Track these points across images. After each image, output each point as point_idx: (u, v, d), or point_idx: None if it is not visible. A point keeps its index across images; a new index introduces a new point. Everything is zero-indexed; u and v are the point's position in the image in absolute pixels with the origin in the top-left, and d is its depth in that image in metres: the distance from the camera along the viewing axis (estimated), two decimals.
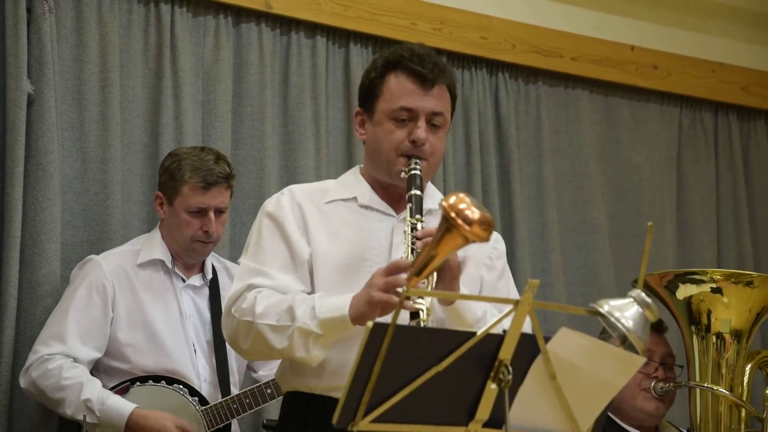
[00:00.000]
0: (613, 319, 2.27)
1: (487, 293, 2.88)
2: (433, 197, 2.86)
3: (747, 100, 5.55)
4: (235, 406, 3.80)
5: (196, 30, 4.40)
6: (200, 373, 3.84)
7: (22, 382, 3.74)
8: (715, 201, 5.48)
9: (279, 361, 3.61)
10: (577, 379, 2.22)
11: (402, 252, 2.68)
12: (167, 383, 3.77)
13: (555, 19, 5.14)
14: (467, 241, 2.32)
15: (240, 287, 2.76)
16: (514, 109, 5.02)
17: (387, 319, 2.18)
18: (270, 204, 2.88)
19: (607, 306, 2.29)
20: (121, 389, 3.72)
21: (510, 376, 2.17)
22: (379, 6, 4.69)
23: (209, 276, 3.96)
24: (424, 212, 2.71)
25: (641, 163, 5.32)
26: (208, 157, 3.87)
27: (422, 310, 2.52)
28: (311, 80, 4.57)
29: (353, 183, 2.92)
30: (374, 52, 4.71)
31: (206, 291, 3.95)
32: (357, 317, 2.58)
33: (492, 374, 2.18)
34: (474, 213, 2.30)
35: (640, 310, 2.28)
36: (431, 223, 2.62)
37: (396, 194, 2.85)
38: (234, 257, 4.14)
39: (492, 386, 2.19)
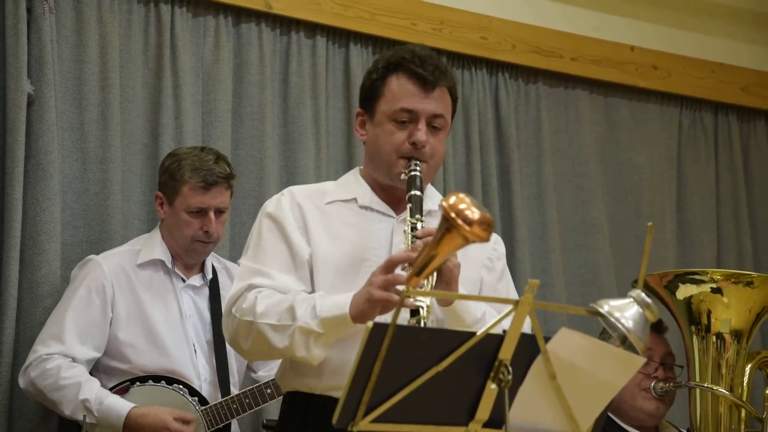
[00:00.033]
0: (613, 320, 2.27)
1: (486, 294, 2.88)
2: (432, 199, 2.86)
3: (747, 100, 5.55)
4: (234, 406, 3.80)
5: (196, 30, 4.40)
6: (200, 373, 3.84)
7: (21, 381, 3.74)
8: (715, 201, 5.48)
9: (279, 362, 3.62)
10: (577, 379, 2.22)
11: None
12: (167, 383, 3.77)
13: (555, 20, 5.14)
14: (467, 241, 2.32)
15: (240, 287, 2.76)
16: (514, 110, 5.02)
17: (387, 318, 2.18)
18: (270, 205, 2.88)
19: (607, 306, 2.29)
20: (121, 389, 3.72)
21: (510, 376, 2.17)
22: (379, 6, 4.69)
23: (209, 276, 3.96)
24: (423, 213, 2.72)
25: (641, 164, 5.32)
26: (208, 157, 3.87)
27: (422, 308, 2.52)
28: (311, 80, 4.57)
29: (353, 184, 2.92)
30: (374, 52, 4.71)
31: (206, 291, 3.95)
32: (357, 315, 2.58)
33: (492, 374, 2.18)
34: (474, 213, 2.30)
35: (640, 310, 2.28)
36: (431, 224, 2.63)
37: (396, 196, 2.85)
38: (234, 257, 4.14)
39: (492, 386, 2.19)
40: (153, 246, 3.89)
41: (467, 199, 2.32)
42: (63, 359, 3.69)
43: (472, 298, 2.76)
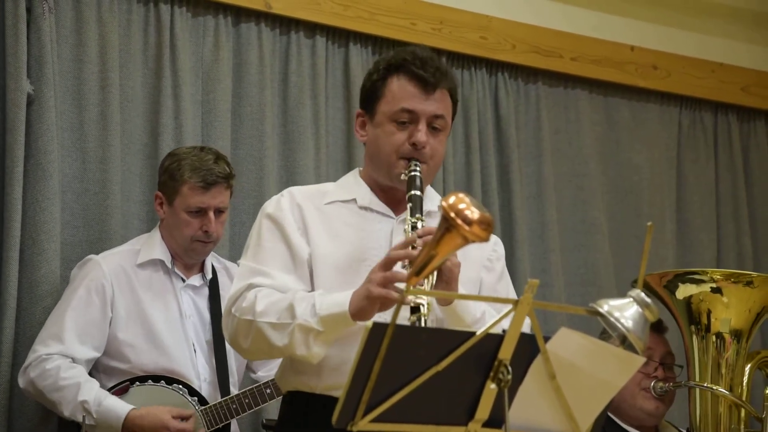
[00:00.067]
0: (612, 319, 2.27)
1: (486, 295, 2.88)
2: (432, 200, 2.87)
3: (747, 100, 5.55)
4: (234, 406, 3.80)
5: (195, 30, 4.40)
6: (200, 372, 3.84)
7: (21, 381, 3.74)
8: (715, 201, 5.48)
9: (278, 362, 3.62)
10: (577, 379, 2.22)
11: None
12: (167, 383, 3.77)
13: (555, 19, 5.14)
14: (467, 241, 2.32)
15: (240, 287, 2.76)
16: (514, 109, 5.02)
17: (387, 318, 2.18)
18: (270, 205, 2.89)
19: (606, 306, 2.29)
20: (121, 389, 3.72)
21: (509, 376, 2.17)
22: (379, 6, 4.69)
23: (209, 276, 3.96)
24: (423, 214, 2.72)
25: (641, 163, 5.32)
26: (208, 156, 3.87)
27: (422, 305, 2.52)
28: (311, 80, 4.57)
29: (353, 185, 2.93)
30: (374, 52, 4.71)
31: (206, 291, 3.95)
32: (357, 313, 2.59)
33: (491, 374, 2.18)
34: (473, 213, 2.29)
35: (640, 310, 2.28)
36: (430, 225, 2.63)
37: (395, 196, 2.86)
38: (234, 257, 4.14)
39: (491, 386, 2.19)
40: (153, 246, 3.89)
41: (467, 199, 2.32)
42: (62, 359, 3.69)
43: (471, 298, 2.77)
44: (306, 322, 2.63)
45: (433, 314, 2.61)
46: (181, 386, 3.77)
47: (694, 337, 3.90)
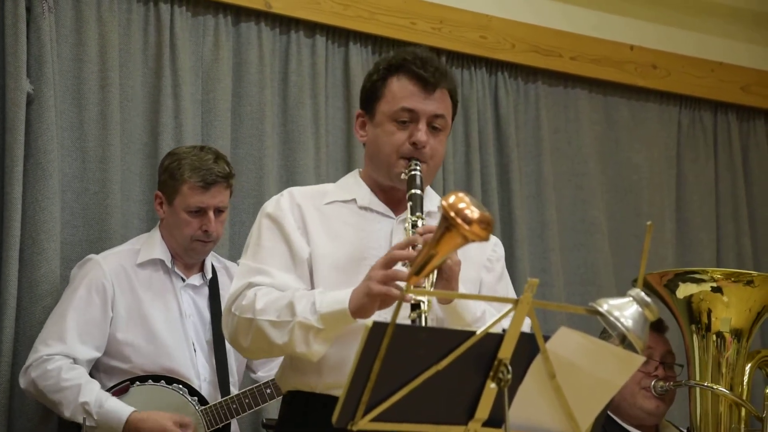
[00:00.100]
0: (612, 318, 2.27)
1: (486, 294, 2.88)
2: (432, 200, 2.87)
3: (746, 99, 5.55)
4: (234, 406, 3.80)
5: (195, 29, 4.40)
6: (200, 372, 3.84)
7: (22, 381, 3.74)
8: (715, 200, 5.48)
9: (278, 362, 3.61)
10: (577, 378, 2.22)
11: None
12: (167, 383, 3.76)
13: (554, 19, 5.14)
14: (467, 240, 2.32)
15: (240, 285, 2.76)
16: (514, 109, 5.02)
17: (387, 317, 2.19)
18: (269, 205, 2.89)
19: (606, 305, 2.29)
20: (121, 389, 3.72)
21: (509, 376, 2.17)
22: (379, 5, 4.69)
23: (209, 275, 3.96)
24: (423, 213, 2.72)
25: (640, 163, 5.32)
26: (208, 156, 3.87)
27: (423, 302, 2.53)
28: (311, 79, 4.57)
29: (353, 185, 2.94)
30: (374, 51, 4.71)
31: (206, 290, 3.95)
32: (357, 310, 2.59)
33: (491, 373, 2.18)
34: (473, 212, 2.29)
35: (640, 309, 2.28)
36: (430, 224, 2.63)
37: (395, 197, 2.87)
38: (234, 257, 4.14)
39: (491, 385, 2.19)
40: (153, 245, 3.89)
41: (467, 198, 2.32)
42: (64, 360, 3.69)
43: (472, 297, 2.77)
44: (306, 320, 2.63)
45: (433, 313, 2.62)
46: (181, 386, 3.77)
47: (695, 336, 3.90)
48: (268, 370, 3.96)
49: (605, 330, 2.35)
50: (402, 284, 2.53)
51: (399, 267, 2.58)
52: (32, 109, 3.97)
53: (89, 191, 4.11)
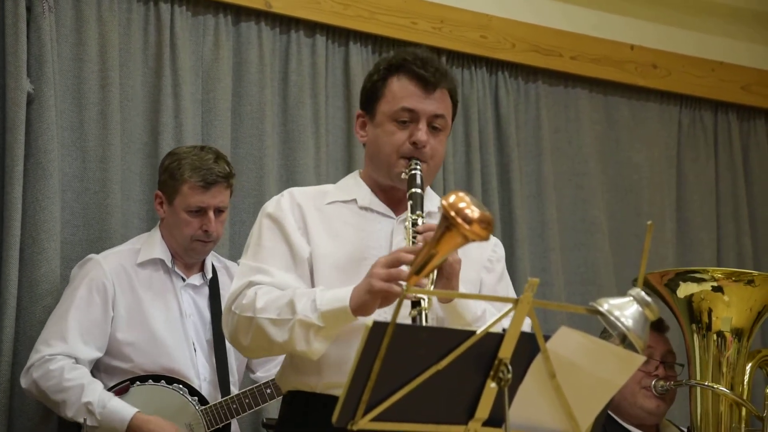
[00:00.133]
0: (612, 318, 2.27)
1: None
2: (432, 200, 2.88)
3: (747, 99, 5.55)
4: (234, 406, 3.80)
5: (195, 29, 4.40)
6: (200, 372, 3.84)
7: (23, 382, 3.73)
8: (715, 200, 5.47)
9: (277, 362, 3.61)
10: (577, 378, 2.22)
11: None
12: (167, 383, 3.76)
13: (554, 18, 5.14)
14: (467, 240, 2.32)
15: (240, 284, 2.76)
16: (514, 108, 5.02)
17: (387, 317, 2.18)
18: (270, 205, 2.90)
19: (606, 305, 2.29)
20: (121, 389, 3.72)
21: (510, 375, 2.17)
22: (379, 5, 4.69)
23: (209, 275, 3.96)
24: (423, 213, 2.73)
25: (641, 162, 5.32)
26: (208, 156, 3.87)
27: (423, 299, 2.53)
28: (311, 79, 4.57)
29: (353, 186, 2.94)
30: (374, 51, 4.71)
31: (206, 290, 3.95)
32: (358, 307, 2.59)
33: (492, 373, 2.18)
34: (474, 212, 2.29)
35: (640, 308, 2.28)
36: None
37: (395, 197, 2.87)
38: (234, 256, 4.14)
39: (492, 385, 2.18)
40: (153, 245, 3.89)
41: (467, 198, 2.32)
42: (66, 360, 3.68)
43: (472, 297, 2.77)
44: (306, 318, 2.63)
45: (433, 312, 2.62)
46: (181, 386, 3.77)
47: (695, 335, 3.89)
48: (266, 371, 3.96)
49: (606, 329, 2.35)
50: (403, 283, 2.53)
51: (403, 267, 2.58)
52: (32, 108, 3.97)
53: (89, 191, 4.11)
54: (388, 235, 2.84)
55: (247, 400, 3.80)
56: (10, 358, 3.86)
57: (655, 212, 5.25)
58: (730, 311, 3.85)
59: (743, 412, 3.86)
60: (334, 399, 2.16)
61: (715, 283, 3.86)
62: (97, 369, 3.78)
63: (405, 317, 2.47)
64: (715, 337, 3.86)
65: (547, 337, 2.20)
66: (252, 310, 2.69)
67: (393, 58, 2.89)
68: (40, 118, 3.96)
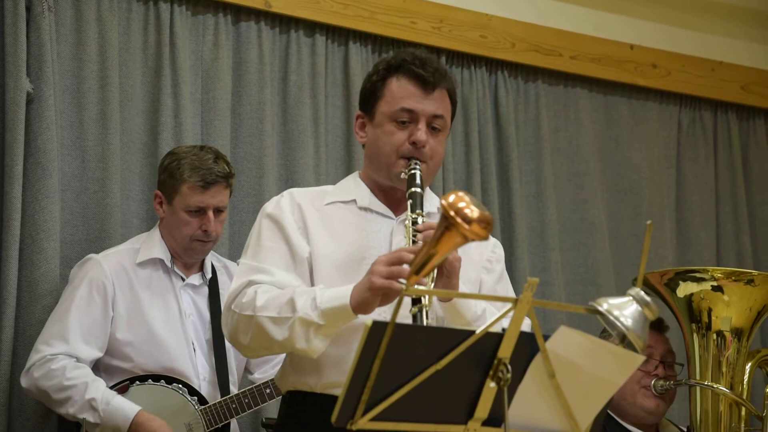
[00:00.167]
0: (612, 318, 2.27)
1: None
2: (431, 201, 2.88)
3: (746, 98, 5.55)
4: (234, 405, 3.80)
5: (195, 28, 4.40)
6: (199, 372, 3.84)
7: (24, 381, 3.73)
8: (715, 200, 5.47)
9: (274, 364, 3.61)
10: (576, 378, 2.22)
11: None
12: (166, 382, 3.76)
13: (554, 18, 5.14)
14: (466, 239, 2.32)
15: (240, 284, 2.77)
16: (514, 108, 5.01)
17: (387, 316, 2.19)
18: (269, 206, 2.91)
19: (606, 304, 2.29)
20: (120, 388, 3.72)
21: (509, 375, 2.17)
22: (379, 5, 4.69)
23: (209, 275, 3.96)
24: (423, 212, 2.73)
25: (640, 162, 5.32)
26: (208, 156, 3.87)
27: (424, 296, 2.53)
28: (310, 79, 4.57)
29: (352, 186, 2.95)
30: (374, 50, 4.71)
31: (206, 290, 3.95)
32: (358, 304, 2.59)
33: (491, 373, 2.18)
34: (473, 211, 2.29)
35: (639, 308, 2.28)
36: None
37: (395, 197, 2.87)
38: (233, 256, 4.15)
39: (491, 385, 2.18)
40: (152, 245, 3.89)
41: (466, 198, 2.32)
42: (68, 359, 3.68)
43: (472, 297, 2.77)
44: (307, 316, 2.63)
45: (433, 312, 2.62)
46: (180, 386, 3.77)
47: (695, 335, 3.90)
48: (263, 372, 3.96)
49: (605, 329, 2.35)
50: (403, 281, 2.53)
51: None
52: (32, 108, 3.97)
53: (89, 190, 4.11)
54: (388, 235, 2.84)
55: (246, 400, 3.80)
56: (9, 358, 3.86)
57: (654, 212, 5.25)
58: (729, 311, 3.85)
59: (743, 412, 3.86)
60: (333, 399, 2.16)
61: (714, 283, 3.86)
62: (97, 368, 3.78)
63: (405, 316, 2.48)
64: (714, 336, 3.86)
65: (546, 337, 2.20)
66: (252, 308, 2.69)
67: (392, 58, 2.90)
68: (40, 117, 3.96)
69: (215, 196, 3.84)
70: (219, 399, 3.81)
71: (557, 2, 5.17)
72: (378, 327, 2.09)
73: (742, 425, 3.86)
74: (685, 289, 3.90)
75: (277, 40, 4.56)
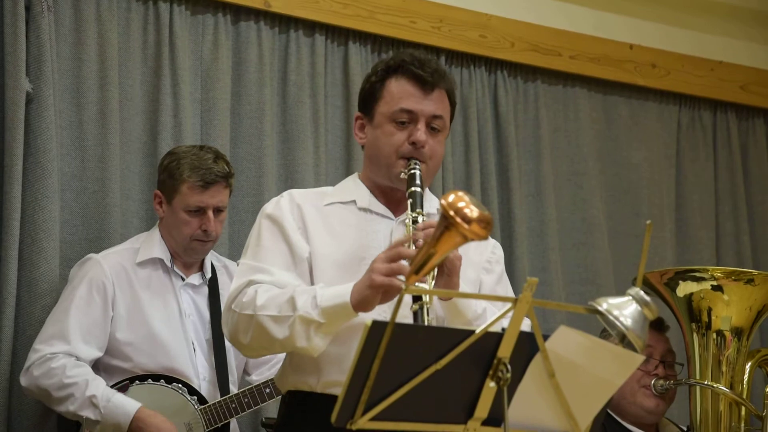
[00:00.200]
0: (611, 317, 2.27)
1: None
2: (431, 202, 2.88)
3: (746, 98, 5.55)
4: (233, 405, 3.79)
5: (194, 28, 4.40)
6: (199, 371, 3.84)
7: (23, 381, 3.73)
8: (714, 200, 5.47)
9: (272, 365, 3.61)
10: (576, 377, 2.22)
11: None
12: (166, 382, 3.76)
13: (554, 18, 5.14)
14: (466, 239, 2.32)
15: (240, 283, 2.77)
16: (513, 108, 5.01)
17: (387, 315, 2.19)
18: (269, 206, 2.91)
19: (605, 304, 2.29)
20: (120, 388, 3.72)
21: (509, 374, 2.17)
22: (378, 4, 4.69)
23: (208, 275, 3.96)
24: (423, 211, 2.73)
25: (640, 162, 5.32)
26: (207, 155, 3.87)
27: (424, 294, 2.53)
28: (310, 78, 4.57)
29: (352, 187, 2.95)
30: (373, 50, 4.71)
31: (205, 290, 3.95)
32: (359, 302, 2.59)
33: (491, 372, 2.18)
34: (473, 211, 2.30)
35: (639, 308, 2.28)
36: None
37: (395, 198, 2.88)
38: (233, 256, 4.15)
39: (491, 384, 2.18)
40: (152, 244, 3.89)
41: (466, 197, 2.32)
42: (68, 358, 3.68)
43: (472, 296, 2.77)
44: (307, 314, 2.63)
45: (433, 312, 2.62)
46: (180, 385, 3.77)
47: (695, 334, 3.90)
48: (260, 374, 3.95)
49: (605, 329, 2.35)
50: (402, 278, 2.53)
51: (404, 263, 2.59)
52: (31, 108, 3.97)
53: (88, 190, 4.11)
54: (388, 236, 2.85)
55: (246, 400, 3.80)
56: (9, 358, 3.86)
57: (654, 211, 5.25)
58: (729, 310, 3.85)
59: (743, 411, 3.86)
60: (333, 398, 2.16)
61: (714, 282, 3.86)
62: (97, 368, 3.78)
63: (405, 316, 2.48)
64: (714, 336, 3.86)
65: (546, 337, 2.20)
66: (252, 307, 2.70)
67: (391, 59, 2.91)
68: (39, 117, 3.96)
69: (215, 195, 3.84)
70: (219, 399, 3.81)
71: (557, 2, 5.17)
72: (378, 326, 2.09)
73: (742, 425, 3.86)
74: (684, 288, 3.90)
75: (277, 40, 4.56)
